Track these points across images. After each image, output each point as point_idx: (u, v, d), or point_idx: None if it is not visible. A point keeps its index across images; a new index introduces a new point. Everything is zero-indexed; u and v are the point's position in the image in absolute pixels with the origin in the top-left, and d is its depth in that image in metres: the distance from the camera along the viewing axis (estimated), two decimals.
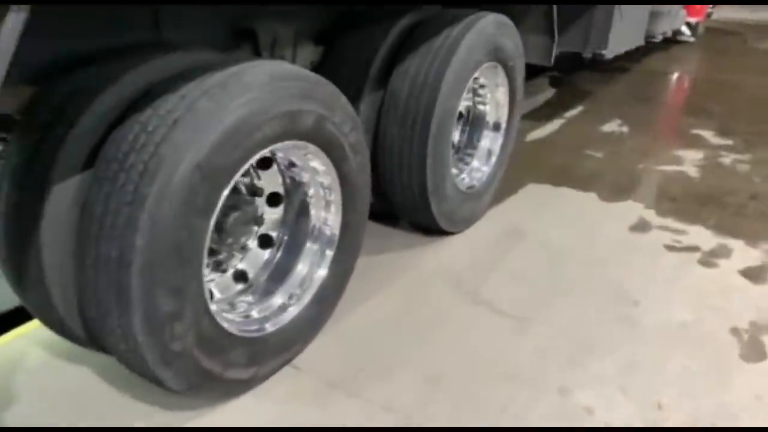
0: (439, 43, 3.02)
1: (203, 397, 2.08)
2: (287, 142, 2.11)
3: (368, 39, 3.06)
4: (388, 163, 3.11)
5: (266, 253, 2.46)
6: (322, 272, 2.44)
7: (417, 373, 2.41)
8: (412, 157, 3.03)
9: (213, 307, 2.12)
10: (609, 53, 5.12)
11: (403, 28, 3.10)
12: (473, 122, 3.70)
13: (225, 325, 2.05)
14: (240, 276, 2.42)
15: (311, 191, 2.43)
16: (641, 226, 3.71)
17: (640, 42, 6.16)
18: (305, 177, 2.41)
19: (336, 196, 2.42)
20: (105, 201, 1.74)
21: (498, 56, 3.36)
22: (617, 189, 4.21)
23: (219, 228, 2.19)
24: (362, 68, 3.03)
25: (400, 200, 3.24)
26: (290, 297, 2.36)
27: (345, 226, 2.48)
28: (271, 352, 2.25)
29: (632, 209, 3.92)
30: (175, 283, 1.79)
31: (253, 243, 2.45)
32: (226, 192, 1.90)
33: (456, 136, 3.68)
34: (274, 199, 2.48)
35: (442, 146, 3.06)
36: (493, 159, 3.65)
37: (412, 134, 2.99)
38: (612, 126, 5.60)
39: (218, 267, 2.37)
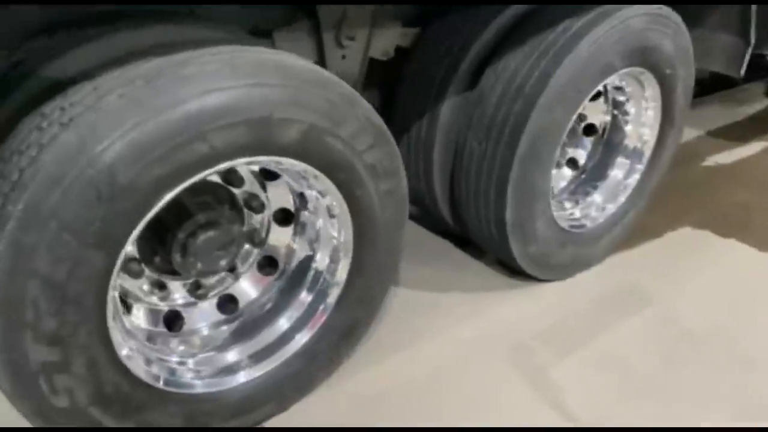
0: (552, 38, 2.26)
1: None
2: (261, 158, 1.59)
3: (464, 26, 2.40)
4: (464, 183, 2.45)
5: (260, 287, 1.99)
6: (304, 337, 1.91)
7: None
8: (490, 180, 2.34)
9: (150, 352, 1.72)
10: None
11: (511, 15, 2.37)
12: (608, 143, 2.85)
13: (149, 379, 1.62)
14: (228, 301, 1.98)
15: (319, 222, 1.90)
16: None
17: None
18: (312, 198, 1.88)
19: (345, 232, 1.85)
20: None
21: (647, 60, 2.48)
22: None
23: (183, 249, 1.75)
24: (451, 62, 2.40)
25: (477, 232, 2.57)
26: (242, 361, 1.86)
27: (355, 270, 1.91)
28: (221, 414, 1.79)
29: None
30: (51, 328, 1.39)
31: (246, 268, 1.99)
32: (147, 217, 1.44)
33: (581, 157, 2.88)
34: (283, 217, 1.99)
35: (534, 172, 2.33)
36: (623, 197, 2.78)
37: (495, 152, 2.30)
38: None
39: (195, 291, 1.94)
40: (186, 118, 1.39)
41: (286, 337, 1.90)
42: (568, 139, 2.72)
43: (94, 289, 1.42)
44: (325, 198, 1.83)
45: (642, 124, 2.75)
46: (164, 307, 1.87)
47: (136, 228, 1.43)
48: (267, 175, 1.91)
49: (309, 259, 1.95)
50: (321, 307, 1.91)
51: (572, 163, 2.88)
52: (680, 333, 2.45)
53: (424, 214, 2.90)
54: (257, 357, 1.86)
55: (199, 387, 1.75)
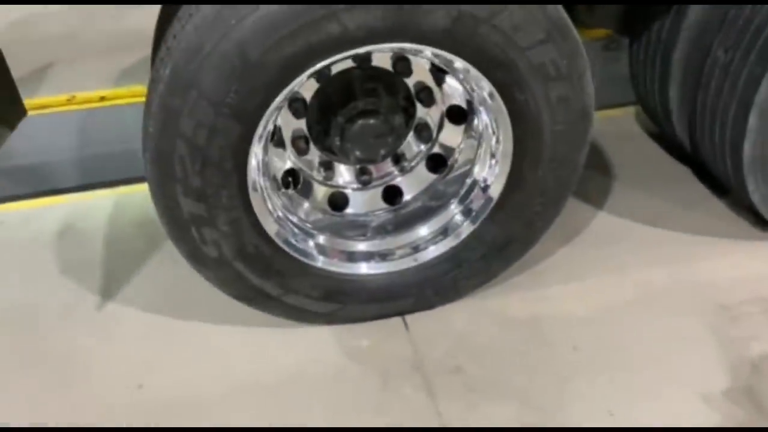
0: None
1: (264, 312, 1.86)
2: (403, 45, 1.49)
3: None
4: (702, 99, 2.00)
5: (423, 185, 1.93)
6: (448, 244, 1.82)
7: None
8: (732, 100, 1.87)
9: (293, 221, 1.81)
10: None
11: None
12: None
13: (288, 249, 1.73)
14: (392, 193, 1.98)
15: (482, 126, 1.75)
16: None
17: None
18: (477, 98, 1.72)
19: (504, 141, 1.67)
20: None
21: None
22: None
23: (342, 133, 1.77)
24: None
25: (711, 162, 2.12)
26: (385, 252, 1.85)
27: (513, 185, 1.73)
28: (358, 297, 1.85)
29: None
30: (197, 185, 1.55)
31: (414, 162, 1.94)
32: (283, 94, 1.49)
33: None
34: (457, 116, 1.88)
35: None
36: None
37: (743, 64, 1.82)
38: None
39: (360, 177, 1.96)
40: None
41: (429, 240, 1.85)
42: None
43: (233, 157, 1.53)
44: (489, 100, 1.66)
45: None
46: (329, 187, 1.95)
47: (273, 103, 1.49)
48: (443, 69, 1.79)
49: (469, 165, 1.83)
50: (468, 219, 1.81)
51: None
52: None
53: (660, 131, 2.48)
54: (399, 252, 1.86)
55: (338, 267, 1.82)
